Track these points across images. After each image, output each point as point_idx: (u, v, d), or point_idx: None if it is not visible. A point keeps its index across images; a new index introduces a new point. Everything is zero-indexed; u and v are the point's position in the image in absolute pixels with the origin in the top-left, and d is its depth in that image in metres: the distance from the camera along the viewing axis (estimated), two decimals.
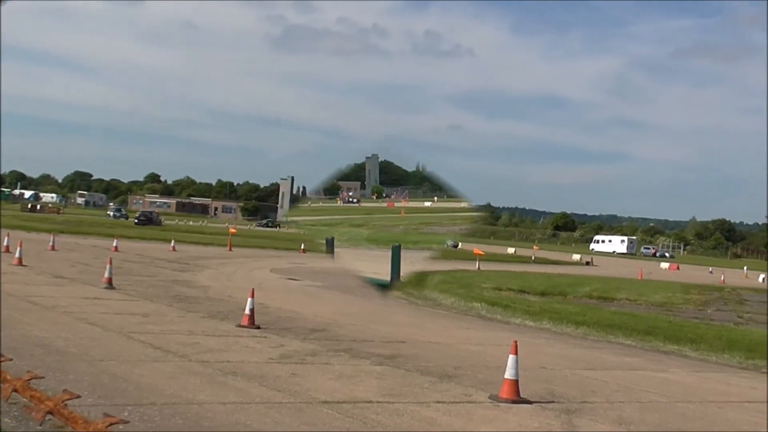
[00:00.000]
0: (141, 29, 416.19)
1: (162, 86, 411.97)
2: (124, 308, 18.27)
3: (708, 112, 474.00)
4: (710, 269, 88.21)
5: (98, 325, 15.08)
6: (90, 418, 8.33)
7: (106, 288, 21.83)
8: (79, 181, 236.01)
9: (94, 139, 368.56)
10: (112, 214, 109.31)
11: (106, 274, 22.52)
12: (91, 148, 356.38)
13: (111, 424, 7.73)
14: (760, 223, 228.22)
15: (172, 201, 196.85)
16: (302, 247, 57.44)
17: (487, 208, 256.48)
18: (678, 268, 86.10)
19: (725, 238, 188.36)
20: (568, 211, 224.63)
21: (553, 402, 11.41)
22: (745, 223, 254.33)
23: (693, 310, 32.95)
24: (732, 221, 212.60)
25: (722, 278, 65.29)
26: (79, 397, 8.34)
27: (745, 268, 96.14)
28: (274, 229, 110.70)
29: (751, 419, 11.60)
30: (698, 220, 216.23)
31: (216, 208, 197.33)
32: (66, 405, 7.65)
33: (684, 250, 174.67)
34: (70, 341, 12.98)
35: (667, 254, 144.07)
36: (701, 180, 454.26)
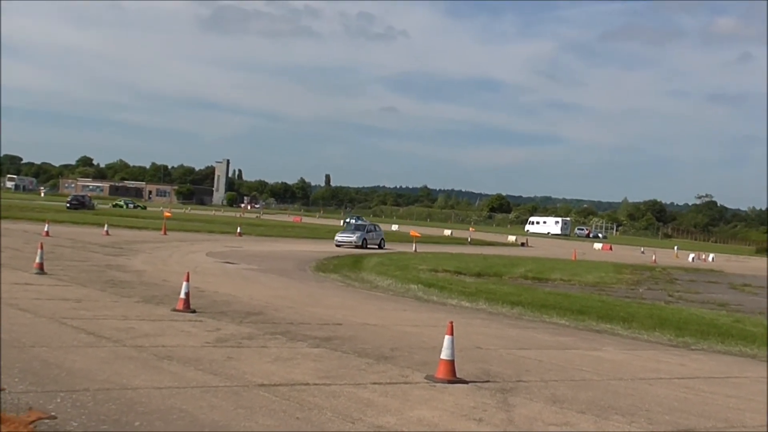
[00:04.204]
0: (68, 9, 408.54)
1: (91, 68, 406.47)
2: (56, 293, 17.96)
3: (637, 94, 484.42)
4: (642, 249, 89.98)
5: (29, 311, 14.79)
6: (21, 405, 8.20)
7: (37, 273, 21.43)
8: (9, 164, 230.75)
9: (23, 121, 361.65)
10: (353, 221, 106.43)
11: (37, 259, 22.10)
12: (20, 132, 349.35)
13: (38, 419, 7.52)
14: (689, 204, 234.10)
15: (105, 185, 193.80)
16: (239, 231, 57.10)
17: (424, 190, 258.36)
18: (611, 248, 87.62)
19: (656, 219, 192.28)
20: (504, 193, 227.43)
21: (488, 381, 11.54)
22: (675, 203, 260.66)
23: (625, 289, 33.59)
24: (663, 202, 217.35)
25: (653, 258, 66.64)
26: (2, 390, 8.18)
27: (675, 247, 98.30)
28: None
29: (680, 395, 11.87)
30: (630, 201, 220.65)
31: (150, 192, 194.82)
32: None
33: (616, 230, 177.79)
34: None
35: (600, 235, 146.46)
36: (632, 162, 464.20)
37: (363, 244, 52.32)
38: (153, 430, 7.85)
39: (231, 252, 38.77)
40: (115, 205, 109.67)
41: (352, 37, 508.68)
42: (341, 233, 54.39)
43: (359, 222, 73.61)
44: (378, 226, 60.06)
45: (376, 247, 54.07)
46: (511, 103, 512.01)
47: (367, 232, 55.04)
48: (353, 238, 52.53)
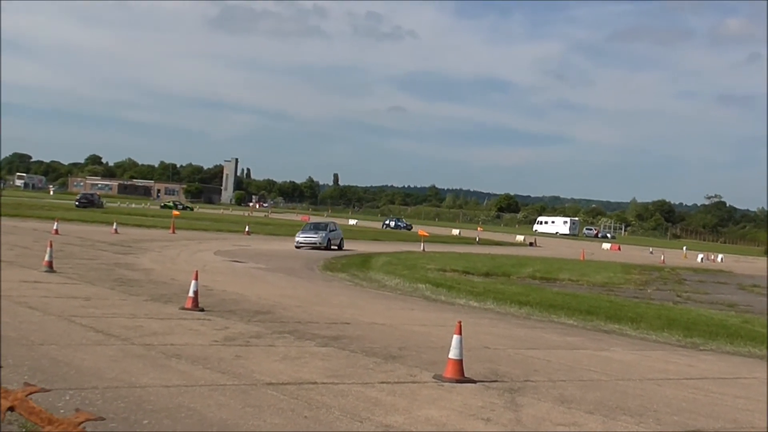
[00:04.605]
0: (76, 8, 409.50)
1: (99, 66, 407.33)
2: (65, 292, 18.00)
3: (646, 94, 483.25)
4: (650, 249, 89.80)
5: (38, 309, 14.82)
6: (53, 409, 8.20)
7: (46, 271, 21.48)
8: (18, 162, 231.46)
9: (32, 120, 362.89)
10: (393, 224, 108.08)
11: (47, 258, 22.15)
12: (29, 130, 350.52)
13: (86, 420, 7.47)
14: (698, 204, 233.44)
15: (114, 183, 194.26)
16: (247, 229, 57.17)
17: (432, 189, 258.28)
18: (619, 248, 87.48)
19: (665, 219, 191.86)
20: (512, 193, 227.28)
21: (496, 381, 11.52)
22: (684, 204, 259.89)
23: (633, 289, 33.52)
24: (671, 202, 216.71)
25: (662, 258, 66.48)
26: (47, 391, 8.19)
27: (684, 248, 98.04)
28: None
29: (689, 396, 11.85)
30: (638, 201, 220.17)
31: (159, 191, 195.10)
32: (29, 399, 7.43)
33: (625, 230, 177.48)
34: (8, 325, 12.72)
35: (608, 235, 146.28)
36: (641, 162, 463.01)
37: (327, 245, 47.47)
38: (161, 429, 7.86)
39: (239, 251, 38.84)
40: (164, 206, 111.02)
41: (360, 36, 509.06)
42: (302, 233, 48.47)
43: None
44: (337, 224, 56.95)
45: (336, 247, 48.86)
46: (519, 103, 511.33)
47: (330, 231, 49.68)
48: (317, 238, 47.15)
